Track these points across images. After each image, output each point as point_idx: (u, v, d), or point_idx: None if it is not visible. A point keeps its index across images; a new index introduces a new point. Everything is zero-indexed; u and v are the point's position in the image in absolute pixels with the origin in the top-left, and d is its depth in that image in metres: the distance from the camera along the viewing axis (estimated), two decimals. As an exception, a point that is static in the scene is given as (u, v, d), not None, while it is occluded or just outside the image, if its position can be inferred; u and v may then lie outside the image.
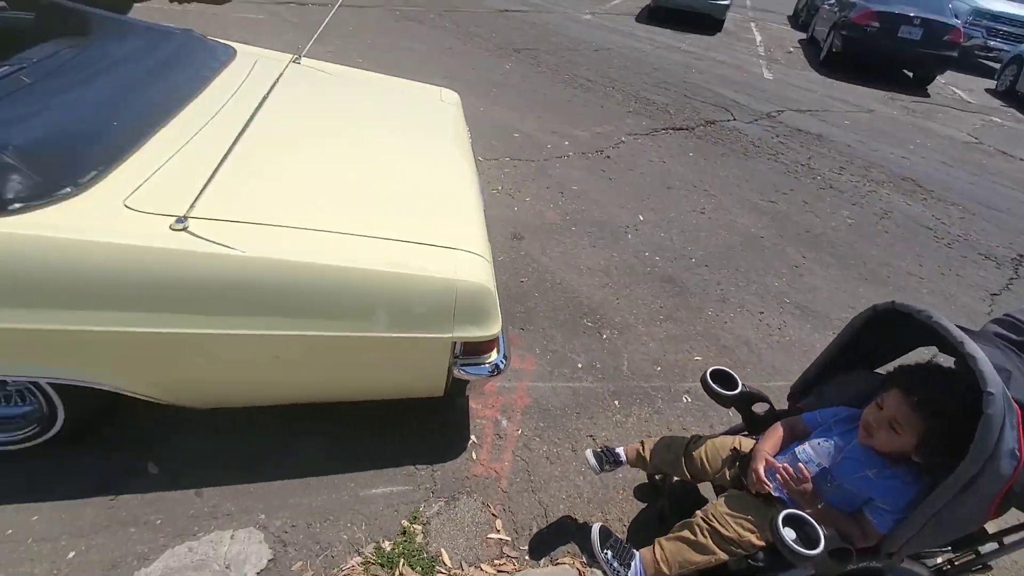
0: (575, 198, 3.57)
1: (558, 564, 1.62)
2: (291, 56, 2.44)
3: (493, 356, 1.66)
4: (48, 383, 1.40)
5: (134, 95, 1.68)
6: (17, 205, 1.21)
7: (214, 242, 1.29)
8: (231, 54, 2.21)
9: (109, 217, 1.28)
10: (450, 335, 1.51)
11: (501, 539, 1.64)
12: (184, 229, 1.28)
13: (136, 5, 5.44)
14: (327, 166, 1.75)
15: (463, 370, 1.61)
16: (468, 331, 1.52)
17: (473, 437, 1.91)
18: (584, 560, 1.62)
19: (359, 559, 1.52)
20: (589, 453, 1.61)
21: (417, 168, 1.91)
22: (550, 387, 2.16)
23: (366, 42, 6.09)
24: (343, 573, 1.49)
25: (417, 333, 1.48)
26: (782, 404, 1.58)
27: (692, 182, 4.06)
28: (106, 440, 1.67)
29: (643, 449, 1.58)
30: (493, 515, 1.69)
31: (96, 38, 1.96)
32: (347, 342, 1.46)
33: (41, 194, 1.25)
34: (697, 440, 1.51)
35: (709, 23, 9.60)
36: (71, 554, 1.41)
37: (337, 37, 6.01)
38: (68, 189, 1.28)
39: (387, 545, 1.56)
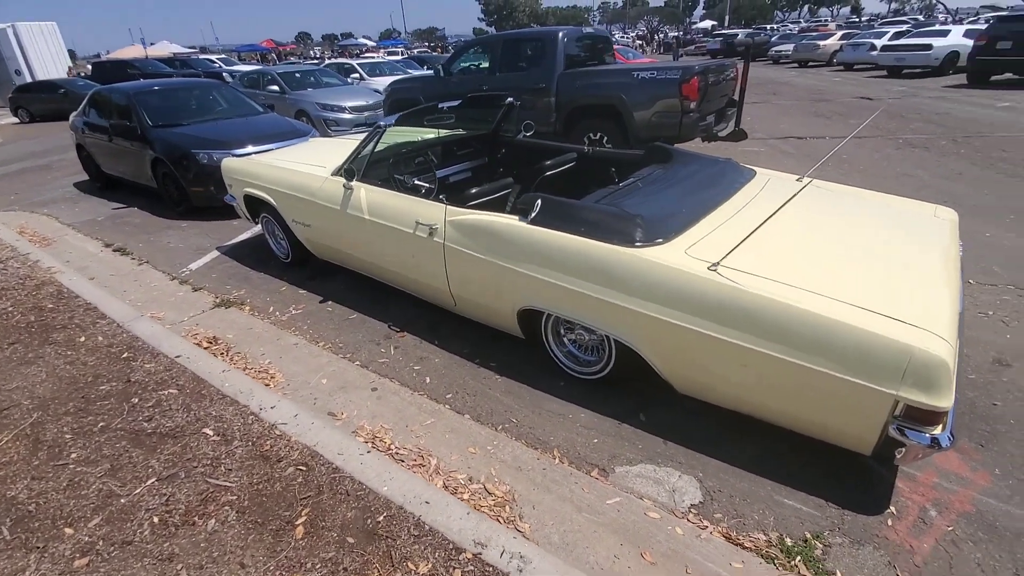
0: (1114, 344, 2.87)
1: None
2: (796, 176, 3.18)
3: (938, 430, 1.81)
4: (613, 339, 2.49)
5: (695, 194, 2.73)
6: (638, 243, 2.31)
7: (727, 279, 2.06)
8: (754, 174, 3.14)
9: (676, 256, 2.23)
10: (894, 392, 1.79)
11: (901, 597, 1.73)
12: (714, 270, 2.11)
13: (677, 144, 7.38)
14: (814, 250, 2.31)
15: (900, 431, 1.83)
16: (914, 394, 1.76)
17: (892, 508, 2.02)
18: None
19: (764, 537, 1.94)
20: None
21: (898, 266, 2.21)
22: (1005, 509, 1.99)
23: (857, 168, 6.35)
24: (749, 539, 1.94)
25: (863, 380, 1.83)
26: None
27: None
28: (625, 390, 2.69)
29: None
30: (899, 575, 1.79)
31: (674, 163, 3.22)
32: (799, 369, 1.94)
33: (648, 239, 2.32)
34: None
35: None
36: (592, 438, 2.41)
37: (827, 165, 6.51)
38: (660, 240, 2.32)
39: (789, 541, 1.92)
